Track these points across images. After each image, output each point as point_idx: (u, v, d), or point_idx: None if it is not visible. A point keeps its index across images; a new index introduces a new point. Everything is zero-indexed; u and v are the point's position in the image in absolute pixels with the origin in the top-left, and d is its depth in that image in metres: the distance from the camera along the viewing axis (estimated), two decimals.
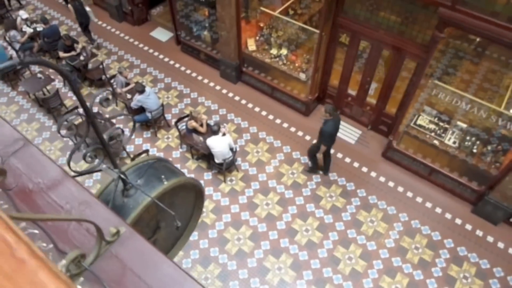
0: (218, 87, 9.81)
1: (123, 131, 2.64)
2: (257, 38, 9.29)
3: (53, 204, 1.59)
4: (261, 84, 9.51)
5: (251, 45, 9.26)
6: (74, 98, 9.51)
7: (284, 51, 9.04)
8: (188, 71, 10.18)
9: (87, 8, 10.55)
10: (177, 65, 10.33)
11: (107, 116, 8.50)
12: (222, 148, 7.46)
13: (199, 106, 9.40)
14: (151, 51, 10.72)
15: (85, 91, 9.75)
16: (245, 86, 9.79)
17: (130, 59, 10.50)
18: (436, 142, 7.62)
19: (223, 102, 9.47)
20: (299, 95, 9.04)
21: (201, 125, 7.89)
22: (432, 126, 7.66)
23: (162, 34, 11.14)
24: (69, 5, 10.22)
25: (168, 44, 10.91)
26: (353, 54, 7.86)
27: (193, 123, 7.80)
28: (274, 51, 9.13)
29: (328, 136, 7.27)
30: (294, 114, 9.24)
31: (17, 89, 9.81)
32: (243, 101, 9.50)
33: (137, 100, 8.21)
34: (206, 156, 8.07)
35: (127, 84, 8.77)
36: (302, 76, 8.72)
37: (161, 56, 10.57)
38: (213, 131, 7.41)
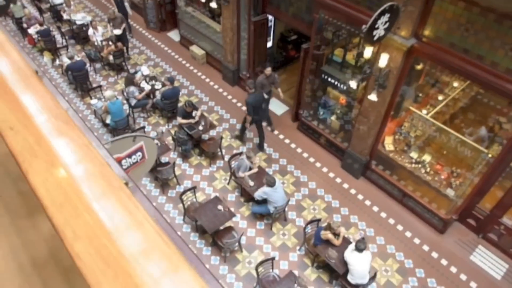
0: (338, 180, 8.83)
1: None
2: (396, 137, 8.32)
3: None
4: (391, 187, 8.44)
5: (388, 144, 8.29)
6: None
7: (427, 157, 7.99)
8: (305, 155, 9.30)
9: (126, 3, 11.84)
10: (293, 146, 9.49)
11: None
12: (363, 268, 6.36)
13: (318, 199, 8.41)
14: (264, 124, 9.97)
15: (194, 160, 9.04)
16: (369, 184, 8.76)
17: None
18: None
19: (345, 200, 8.44)
20: (438, 210, 7.87)
21: (337, 238, 6.85)
22: None
23: (277, 106, 10.42)
24: None
25: (283, 118, 10.15)
26: None
27: (328, 235, 6.76)
28: (414, 155, 8.10)
29: (250, 107, 8.43)
30: (426, 229, 8.04)
31: None
32: (367, 202, 8.43)
33: (263, 192, 7.33)
34: (329, 267, 6.99)
35: (250, 168, 7.94)
36: (450, 192, 7.58)
37: (275, 132, 9.79)
38: (358, 249, 6.35)
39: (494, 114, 8.35)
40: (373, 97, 6.83)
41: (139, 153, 3.81)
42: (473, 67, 5.96)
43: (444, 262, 7.56)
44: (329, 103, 9.04)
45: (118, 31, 10.86)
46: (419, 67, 7.67)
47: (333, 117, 9.07)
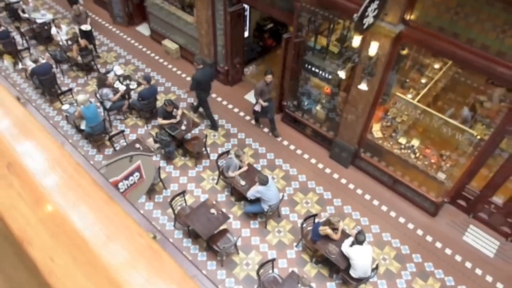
0: (328, 170, 8.71)
1: None
2: (384, 123, 8.24)
3: None
4: (381, 174, 8.40)
5: (377, 131, 8.21)
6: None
7: (415, 142, 7.97)
8: (292, 147, 9.11)
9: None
10: (278, 139, 9.26)
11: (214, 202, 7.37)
12: (365, 261, 6.29)
13: (310, 192, 8.27)
14: (247, 118, 9.69)
15: (178, 162, 8.67)
16: (358, 172, 8.69)
17: (225, 126, 9.46)
18: None
19: (337, 191, 8.34)
20: (429, 193, 7.90)
21: (336, 232, 6.73)
22: None
23: None
24: None
25: None
26: None
27: (327, 230, 6.63)
28: (402, 140, 8.06)
29: (194, 83, 8.56)
30: (419, 213, 8.08)
31: (103, 153, 8.76)
32: (359, 191, 8.36)
33: (256, 191, 7.10)
34: (328, 261, 6.90)
35: (240, 167, 7.67)
36: (441, 176, 7.61)
37: (264, 129, 9.51)
38: (358, 241, 6.26)
39: (474, 93, 8.44)
40: (363, 86, 6.66)
41: (137, 173, 3.47)
42: (464, 51, 5.87)
43: (438, 245, 7.62)
44: (313, 93, 8.83)
45: (87, 27, 10.20)
46: (404, 52, 7.57)
47: (318, 107, 8.89)
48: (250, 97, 10.18)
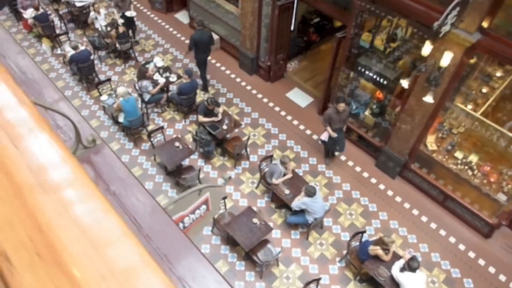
0: (373, 180, 8.21)
1: None
2: (439, 135, 7.66)
3: None
4: (430, 187, 7.86)
5: (431, 143, 7.64)
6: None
7: (473, 157, 7.38)
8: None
9: None
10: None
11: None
12: None
13: (354, 203, 7.82)
14: (289, 118, 9.23)
15: (217, 161, 8.33)
16: (406, 184, 8.17)
17: (266, 126, 9.03)
18: None
19: (383, 203, 7.86)
20: (482, 212, 7.35)
21: (387, 253, 6.29)
22: None
23: (300, 98, 9.64)
24: None
25: (308, 111, 9.39)
26: None
27: (378, 251, 6.20)
28: (459, 155, 7.48)
29: (192, 42, 8.63)
30: (470, 233, 7.54)
31: (140, 147, 8.48)
32: (406, 205, 7.86)
33: (302, 202, 6.70)
34: (374, 280, 6.50)
35: (284, 174, 7.26)
36: (502, 197, 7.02)
37: (301, 127, 9.05)
38: (411, 267, 5.81)
39: None
40: (428, 99, 6.11)
41: (204, 206, 3.10)
42: None
43: (492, 269, 7.11)
44: (363, 97, 8.28)
45: (132, 13, 9.83)
46: (472, 61, 6.92)
47: (367, 112, 8.34)
48: (292, 95, 9.72)
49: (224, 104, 9.27)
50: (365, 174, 8.30)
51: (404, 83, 6.44)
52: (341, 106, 7.27)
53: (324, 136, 7.74)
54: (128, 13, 9.69)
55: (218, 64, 10.38)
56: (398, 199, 7.95)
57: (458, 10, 5.12)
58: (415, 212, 7.78)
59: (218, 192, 3.23)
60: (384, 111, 8.09)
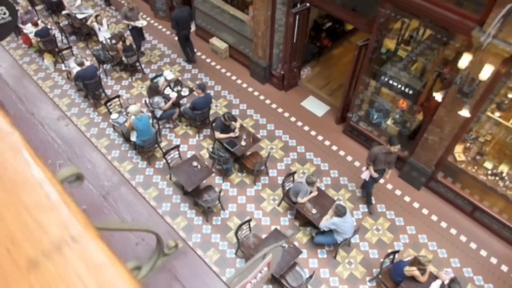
0: (398, 192, 7.94)
1: None
2: (467, 145, 7.39)
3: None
4: (457, 198, 7.60)
5: (459, 153, 7.36)
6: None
7: (504, 168, 7.11)
8: (357, 163, 8.33)
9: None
10: (341, 153, 8.49)
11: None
12: None
13: (380, 217, 7.54)
14: (306, 128, 8.91)
15: (235, 178, 8.00)
16: (432, 195, 7.90)
17: (283, 138, 8.70)
18: None
19: (410, 216, 7.59)
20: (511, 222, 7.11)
21: (423, 273, 6.01)
22: None
23: (316, 106, 9.32)
24: None
25: (325, 121, 9.08)
26: None
27: (415, 272, 5.92)
28: (488, 165, 7.21)
29: (174, 22, 9.15)
30: (502, 245, 7.30)
31: (154, 166, 8.13)
32: (434, 217, 7.60)
33: (331, 223, 6.40)
34: None
35: (310, 192, 6.95)
36: None
37: (320, 138, 8.74)
38: None
39: None
40: (465, 113, 5.81)
41: (266, 268, 2.79)
42: None
43: None
44: (385, 106, 7.98)
45: (143, 22, 9.49)
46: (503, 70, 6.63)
47: (389, 122, 8.05)
48: (307, 104, 9.40)
49: (238, 115, 8.93)
50: (389, 186, 8.01)
51: (438, 96, 6.12)
52: (396, 148, 6.51)
53: (365, 175, 7.08)
54: (138, 23, 9.30)
55: (228, 74, 10.02)
56: (425, 211, 7.68)
57: (501, 21, 4.82)
58: (443, 224, 7.52)
59: (279, 251, 2.91)
60: (407, 120, 7.79)
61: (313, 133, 8.82)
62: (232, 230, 7.20)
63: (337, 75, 9.92)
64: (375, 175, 6.94)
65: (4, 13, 5.18)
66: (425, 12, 5.97)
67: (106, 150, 8.30)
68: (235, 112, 9.08)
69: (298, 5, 8.10)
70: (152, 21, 11.31)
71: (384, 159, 6.73)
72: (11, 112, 1.98)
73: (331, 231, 6.61)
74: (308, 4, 8.09)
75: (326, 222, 6.46)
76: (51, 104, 2.19)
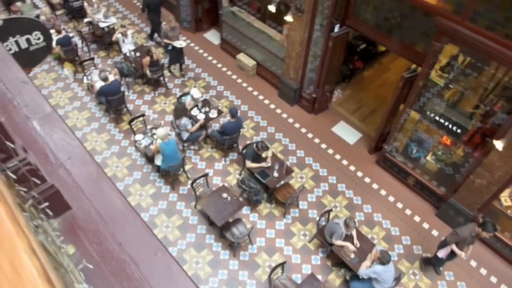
0: (435, 232, 7.50)
1: None
2: None
3: None
4: (500, 245, 7.16)
5: (505, 198, 6.92)
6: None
7: None
8: (391, 198, 7.89)
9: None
10: (374, 186, 8.05)
11: None
12: None
13: (416, 260, 7.09)
14: (337, 157, 8.46)
15: (264, 209, 7.56)
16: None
17: (313, 166, 8.26)
18: None
19: (449, 262, 7.13)
20: None
21: None
22: None
23: (348, 133, 8.87)
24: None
25: (357, 149, 8.63)
26: None
27: None
28: None
29: (145, 4, 9.70)
30: None
31: (178, 191, 7.68)
32: (473, 263, 7.15)
33: (373, 271, 5.95)
34: None
35: (346, 235, 6.50)
36: None
37: (352, 168, 8.29)
38: None
39: None
40: None
41: None
42: None
43: None
44: (426, 141, 7.53)
45: (182, 43, 8.88)
46: None
47: (429, 157, 7.60)
48: (338, 130, 8.95)
49: (266, 139, 8.50)
50: (425, 225, 7.58)
51: (498, 145, 5.67)
52: (489, 235, 5.98)
53: (443, 253, 6.42)
54: (177, 44, 8.77)
55: (255, 93, 9.57)
56: (483, 271, 7.18)
57: None
58: (483, 271, 7.08)
59: None
60: (450, 158, 7.34)
61: (344, 162, 8.37)
62: (261, 267, 6.80)
63: (369, 99, 9.47)
64: (463, 254, 6.20)
65: (38, 38, 4.73)
66: (489, 52, 5.53)
67: (127, 171, 7.86)
68: (262, 135, 8.64)
69: (336, 28, 7.64)
70: None
71: (468, 241, 6.15)
72: None
73: (369, 279, 6.17)
74: (348, 29, 7.64)
75: (366, 270, 6.02)
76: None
